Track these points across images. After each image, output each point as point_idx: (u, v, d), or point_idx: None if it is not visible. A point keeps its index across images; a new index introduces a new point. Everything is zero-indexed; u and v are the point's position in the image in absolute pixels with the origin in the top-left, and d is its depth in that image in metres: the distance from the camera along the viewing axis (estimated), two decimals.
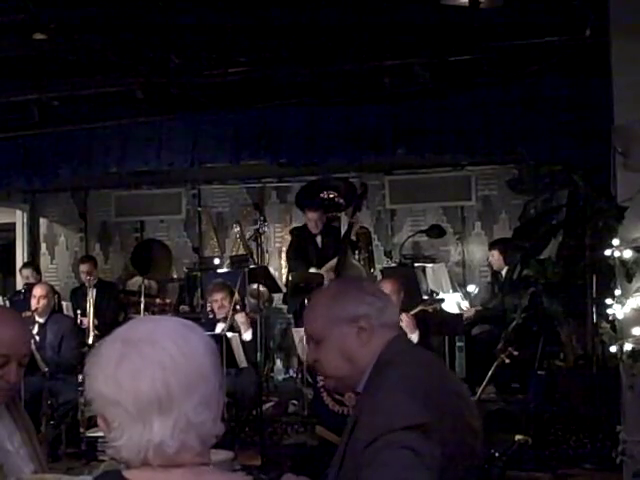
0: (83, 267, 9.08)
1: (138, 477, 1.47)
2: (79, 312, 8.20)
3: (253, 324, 7.44)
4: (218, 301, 7.56)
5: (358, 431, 2.14)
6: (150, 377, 1.45)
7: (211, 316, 7.70)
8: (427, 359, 2.48)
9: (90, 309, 7.82)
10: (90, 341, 7.52)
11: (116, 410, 1.46)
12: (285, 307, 9.26)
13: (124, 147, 8.11)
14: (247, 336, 7.32)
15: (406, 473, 1.95)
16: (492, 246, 8.86)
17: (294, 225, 9.58)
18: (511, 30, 6.18)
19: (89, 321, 7.76)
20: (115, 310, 8.96)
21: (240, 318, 7.48)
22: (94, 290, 8.06)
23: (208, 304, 8.05)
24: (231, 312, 7.38)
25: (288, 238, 9.33)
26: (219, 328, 7.32)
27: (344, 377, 2.36)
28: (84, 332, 7.77)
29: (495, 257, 8.65)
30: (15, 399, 2.49)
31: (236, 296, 7.51)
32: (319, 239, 8.74)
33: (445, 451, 2.05)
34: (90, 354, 1.55)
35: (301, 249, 8.77)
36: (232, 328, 7.34)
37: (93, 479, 1.56)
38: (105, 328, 7.34)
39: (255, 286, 8.46)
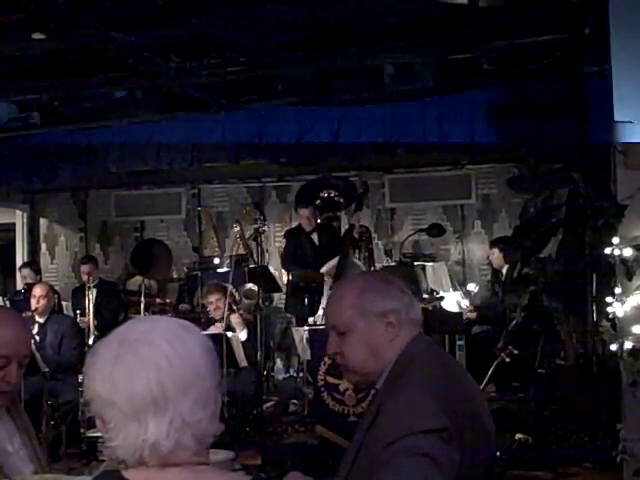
0: (84, 267, 9.05)
1: (136, 477, 1.48)
2: (79, 312, 8.20)
3: (248, 324, 7.44)
4: (213, 303, 7.57)
5: (377, 429, 2.11)
6: (145, 377, 1.45)
7: (211, 315, 7.70)
8: (447, 359, 2.46)
9: (90, 309, 7.82)
10: (91, 341, 7.52)
11: (112, 410, 1.46)
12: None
13: (124, 147, 8.10)
14: (242, 336, 7.33)
15: None
16: (492, 244, 8.86)
17: (295, 224, 9.57)
18: (510, 28, 6.17)
19: (89, 321, 7.77)
20: (115, 310, 8.96)
21: (235, 319, 7.49)
22: (95, 290, 8.06)
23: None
24: (227, 312, 7.39)
25: None
26: (217, 328, 7.33)
27: (369, 372, 2.30)
28: (84, 332, 7.77)
29: (495, 255, 8.64)
30: (15, 400, 2.49)
31: (231, 296, 7.50)
32: (315, 237, 8.72)
33: (464, 456, 2.03)
34: (89, 354, 1.55)
35: (297, 250, 8.74)
36: (229, 328, 7.35)
37: (92, 479, 1.56)
38: (105, 328, 7.33)
39: (249, 286, 8.46)
